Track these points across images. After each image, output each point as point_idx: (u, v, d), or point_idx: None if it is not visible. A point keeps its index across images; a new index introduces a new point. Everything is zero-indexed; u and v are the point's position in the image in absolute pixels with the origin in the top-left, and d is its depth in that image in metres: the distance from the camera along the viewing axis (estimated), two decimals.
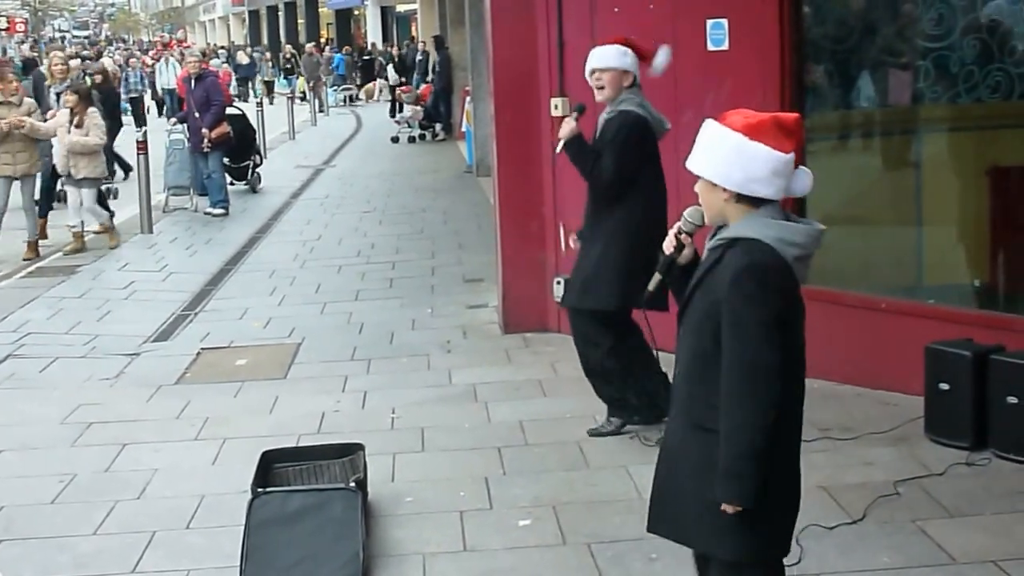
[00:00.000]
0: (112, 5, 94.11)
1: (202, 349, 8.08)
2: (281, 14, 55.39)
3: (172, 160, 14.60)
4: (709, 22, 6.82)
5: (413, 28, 41.59)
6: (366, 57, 38.55)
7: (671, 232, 3.31)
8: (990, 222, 6.66)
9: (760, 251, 3.00)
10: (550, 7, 7.57)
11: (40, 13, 71.46)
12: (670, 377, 3.57)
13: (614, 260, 5.59)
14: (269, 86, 38.32)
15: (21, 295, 9.87)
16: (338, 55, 39.57)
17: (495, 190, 8.13)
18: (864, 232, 7.11)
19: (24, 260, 11.37)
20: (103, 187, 15.68)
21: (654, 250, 3.46)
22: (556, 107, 7.46)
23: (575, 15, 7.41)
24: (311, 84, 33.25)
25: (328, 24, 52.33)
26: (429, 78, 25.02)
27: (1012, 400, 5.33)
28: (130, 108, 26.05)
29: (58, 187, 12.68)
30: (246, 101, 31.32)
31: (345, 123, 28.51)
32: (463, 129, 19.40)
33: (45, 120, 11.71)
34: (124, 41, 69.70)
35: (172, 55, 31.30)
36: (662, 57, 5.84)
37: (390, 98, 29.38)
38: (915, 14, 6.56)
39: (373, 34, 45.87)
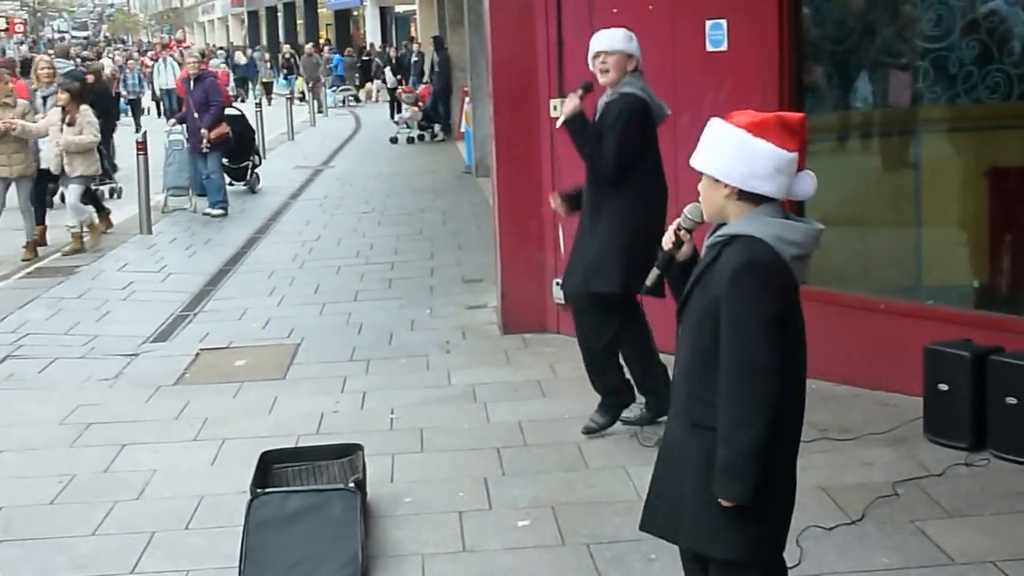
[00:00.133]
0: (111, 6, 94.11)
1: (201, 350, 8.08)
2: (280, 15, 55.38)
3: (171, 161, 14.60)
4: (708, 23, 6.82)
5: (412, 29, 41.56)
6: (364, 58, 38.56)
7: (670, 228, 3.32)
8: (989, 223, 6.66)
9: (759, 249, 3.00)
10: (549, 8, 7.57)
11: (39, 14, 71.43)
12: (670, 372, 3.57)
13: (617, 244, 5.55)
14: (267, 87, 38.34)
15: (20, 295, 9.87)
16: (336, 56, 39.58)
17: (494, 191, 8.14)
18: (863, 233, 7.12)
19: (23, 261, 11.37)
20: (108, 187, 15.79)
21: (656, 234, 3.45)
22: (555, 108, 7.45)
23: (574, 16, 7.41)
24: (310, 85, 33.26)
25: (327, 25, 52.32)
26: (425, 79, 25.02)
27: (1011, 401, 5.33)
28: (130, 109, 26.10)
29: (49, 189, 12.65)
30: (243, 102, 31.35)
31: (344, 124, 28.51)
32: (462, 130, 19.41)
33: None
34: (123, 42, 69.69)
35: (172, 55, 31.30)
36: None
37: (388, 99, 29.39)
38: (914, 15, 6.56)
39: (372, 35, 45.86)
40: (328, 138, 24.38)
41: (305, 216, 14.10)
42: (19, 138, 11.22)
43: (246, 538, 4.52)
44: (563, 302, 7.73)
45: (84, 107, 11.64)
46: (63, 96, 11.55)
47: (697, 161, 3.14)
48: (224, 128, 14.28)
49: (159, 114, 29.58)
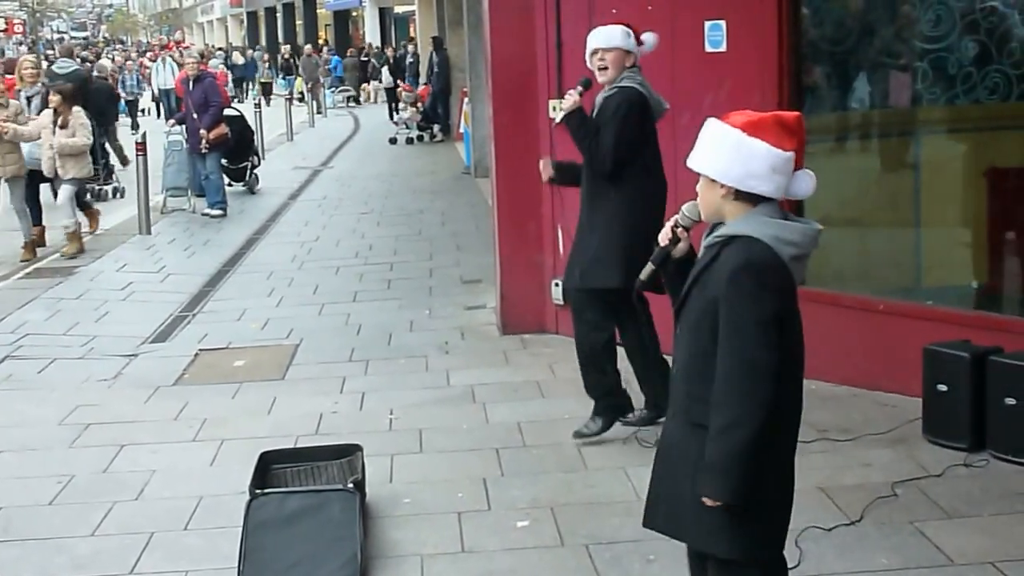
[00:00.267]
0: (110, 6, 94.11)
1: (200, 350, 8.08)
2: (279, 15, 55.37)
3: (170, 161, 14.59)
4: (707, 23, 6.82)
5: (412, 29, 41.55)
6: (363, 59, 38.57)
7: (667, 225, 3.32)
8: (988, 223, 6.66)
9: (757, 249, 3.00)
10: (548, 8, 7.57)
11: (38, 14, 71.44)
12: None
13: (616, 240, 5.53)
14: (265, 87, 38.34)
15: (19, 296, 9.86)
16: (335, 58, 39.59)
17: (493, 191, 8.14)
18: (862, 233, 7.12)
19: (21, 261, 11.36)
20: (112, 187, 15.79)
21: (655, 230, 3.45)
22: (554, 108, 7.45)
23: (573, 16, 7.41)
24: (309, 86, 33.27)
25: (326, 25, 52.30)
26: (422, 79, 24.99)
27: (1010, 401, 5.33)
28: (127, 110, 26.12)
29: (41, 190, 12.63)
30: (242, 102, 31.35)
31: (343, 124, 28.51)
32: (461, 130, 19.41)
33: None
34: (122, 42, 69.71)
35: (171, 55, 31.32)
36: (651, 38, 5.80)
37: (386, 99, 29.37)
38: (913, 15, 6.56)
39: (371, 35, 45.81)
40: (327, 139, 24.38)
41: (304, 217, 14.10)
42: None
43: (245, 539, 4.52)
44: (562, 303, 7.74)
45: (76, 109, 11.55)
46: (55, 97, 11.43)
47: (694, 161, 3.14)
48: (223, 129, 14.28)
49: (158, 115, 29.59)
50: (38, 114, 11.98)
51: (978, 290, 6.70)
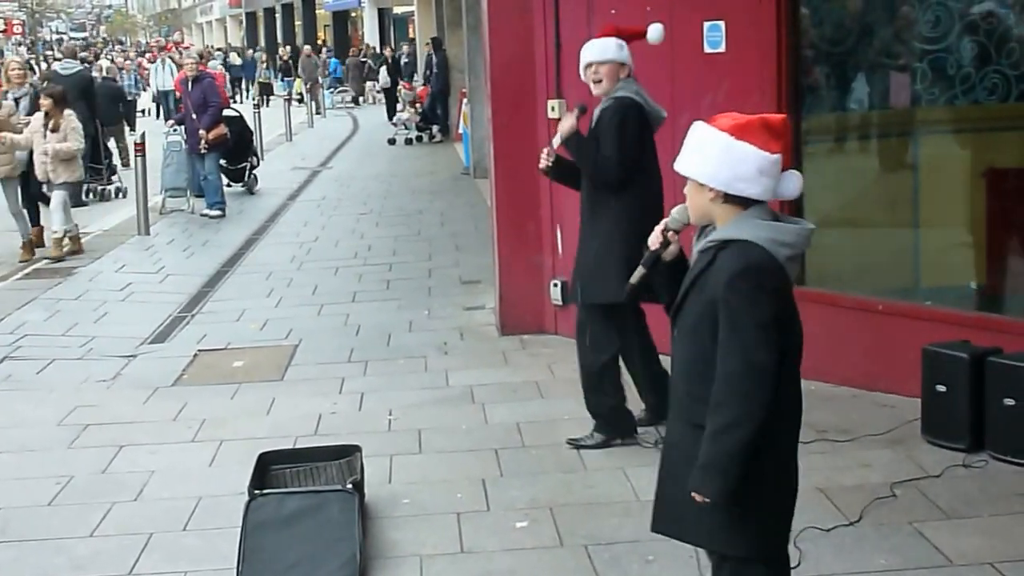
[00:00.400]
0: (109, 7, 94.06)
1: (199, 351, 8.07)
2: (278, 16, 55.36)
3: (169, 162, 14.59)
4: (706, 24, 6.82)
5: (411, 30, 41.56)
6: (362, 59, 38.58)
7: (657, 228, 3.32)
8: (987, 224, 6.66)
9: (754, 253, 3.01)
10: (547, 9, 7.57)
11: (37, 15, 71.40)
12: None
13: (617, 251, 5.52)
14: (264, 87, 38.30)
15: (18, 297, 9.86)
16: (334, 60, 39.59)
17: (492, 192, 8.14)
18: (861, 234, 7.12)
19: (20, 262, 11.35)
20: (114, 187, 15.78)
21: None
22: (553, 109, 7.46)
23: (572, 17, 7.41)
24: (308, 86, 33.27)
25: (325, 26, 52.29)
26: (417, 79, 24.96)
27: (1009, 402, 5.33)
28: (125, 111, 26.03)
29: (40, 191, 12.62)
30: (240, 102, 31.34)
31: (342, 125, 28.52)
32: (460, 131, 19.41)
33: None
34: (121, 43, 69.68)
35: (171, 56, 31.29)
36: (656, 30, 5.77)
37: (384, 100, 29.35)
38: (912, 16, 6.56)
39: (370, 36, 45.80)
40: (326, 139, 24.39)
41: (303, 217, 14.10)
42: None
43: (244, 539, 4.52)
44: (561, 303, 7.74)
45: (68, 112, 11.42)
46: (46, 101, 11.29)
47: (681, 165, 3.16)
48: (222, 129, 14.29)
49: (158, 115, 29.58)
50: (27, 115, 11.93)
51: (977, 291, 6.70)
